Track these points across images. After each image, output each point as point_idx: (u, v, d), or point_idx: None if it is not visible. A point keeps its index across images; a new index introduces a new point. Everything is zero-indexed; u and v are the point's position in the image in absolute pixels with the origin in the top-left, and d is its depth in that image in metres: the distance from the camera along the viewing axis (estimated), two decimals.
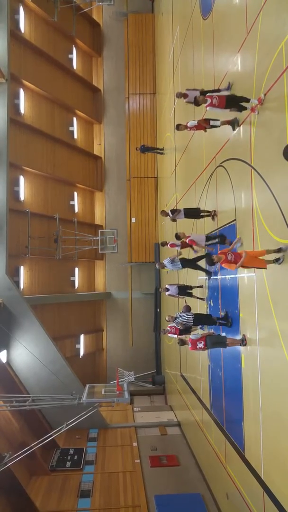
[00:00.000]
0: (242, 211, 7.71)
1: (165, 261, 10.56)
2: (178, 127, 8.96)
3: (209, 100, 7.16)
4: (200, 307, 11.06)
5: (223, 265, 6.42)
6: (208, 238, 9.23)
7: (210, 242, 9.09)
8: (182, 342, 8.46)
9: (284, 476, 6.04)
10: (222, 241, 8.60)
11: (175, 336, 9.36)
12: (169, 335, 9.43)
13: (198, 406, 11.81)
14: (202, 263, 10.07)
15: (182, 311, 9.63)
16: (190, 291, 11.19)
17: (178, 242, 10.44)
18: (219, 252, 6.56)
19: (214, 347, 8.02)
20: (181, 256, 10.36)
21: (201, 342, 7.87)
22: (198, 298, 11.18)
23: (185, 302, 10.55)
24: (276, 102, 6.11)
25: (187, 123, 8.62)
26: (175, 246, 10.53)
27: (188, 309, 9.84)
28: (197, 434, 12.37)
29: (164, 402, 19.41)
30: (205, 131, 8.69)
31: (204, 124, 8.18)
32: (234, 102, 7.08)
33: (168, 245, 10.92)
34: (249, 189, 7.26)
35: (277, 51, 5.93)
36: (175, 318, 9.41)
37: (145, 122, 23.11)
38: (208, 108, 7.25)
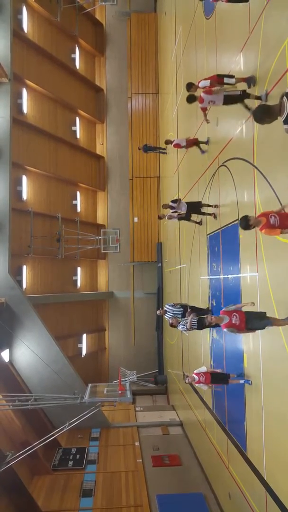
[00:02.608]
0: (245, 210, 7.69)
1: (167, 307, 10.42)
2: (190, 86, 7.58)
3: None
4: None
5: (263, 231, 4.92)
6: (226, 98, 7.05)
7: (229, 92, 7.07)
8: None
9: (287, 475, 6.03)
10: (244, 96, 6.84)
11: (206, 387, 7.64)
12: (197, 385, 7.62)
13: (200, 405, 11.80)
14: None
15: (187, 316, 9.59)
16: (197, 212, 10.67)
17: (184, 142, 9.48)
18: (259, 214, 5.00)
19: (255, 326, 6.03)
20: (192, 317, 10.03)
21: (235, 316, 6.02)
22: (195, 222, 10.79)
23: (188, 308, 10.47)
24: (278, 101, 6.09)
25: (198, 82, 7.38)
26: (180, 147, 9.62)
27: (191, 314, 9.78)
28: (199, 433, 12.36)
29: (166, 402, 19.41)
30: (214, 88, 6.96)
31: (218, 81, 7.08)
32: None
33: (172, 145, 10.05)
34: (251, 188, 7.25)
35: (280, 50, 5.91)
36: (179, 321, 9.39)
37: (148, 122, 23.11)
38: None
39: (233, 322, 6.01)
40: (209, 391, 10.70)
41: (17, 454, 9.94)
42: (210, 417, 10.64)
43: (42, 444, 10.08)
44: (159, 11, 22.96)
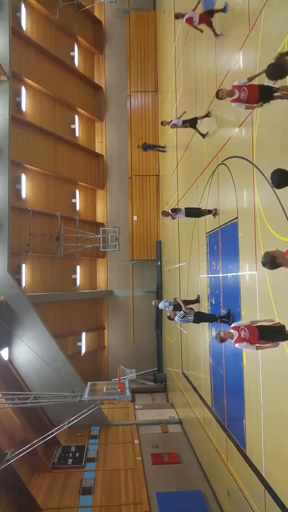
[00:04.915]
0: (244, 209, 7.69)
1: (162, 302, 10.74)
2: (218, 94, 6.20)
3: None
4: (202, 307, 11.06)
5: None
6: None
7: None
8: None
9: (285, 473, 6.05)
10: None
11: (253, 347, 5.05)
12: (236, 345, 5.02)
13: (200, 403, 11.83)
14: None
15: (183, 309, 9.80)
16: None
17: (197, 17, 8.78)
18: None
19: None
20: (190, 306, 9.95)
21: None
22: (201, 134, 10.40)
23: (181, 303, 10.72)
24: (278, 100, 6.08)
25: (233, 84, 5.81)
26: (192, 22, 8.90)
27: (190, 308, 9.99)
28: (198, 431, 12.39)
29: (166, 400, 19.45)
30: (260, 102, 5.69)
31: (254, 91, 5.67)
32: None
33: (184, 19, 9.22)
34: (251, 187, 7.24)
35: (280, 48, 5.90)
36: (175, 314, 9.75)
37: (147, 120, 23.08)
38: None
39: None
40: (208, 389, 10.71)
41: (17, 452, 9.97)
42: (209, 415, 10.66)
43: (41, 442, 10.11)
44: (158, 8, 22.90)
